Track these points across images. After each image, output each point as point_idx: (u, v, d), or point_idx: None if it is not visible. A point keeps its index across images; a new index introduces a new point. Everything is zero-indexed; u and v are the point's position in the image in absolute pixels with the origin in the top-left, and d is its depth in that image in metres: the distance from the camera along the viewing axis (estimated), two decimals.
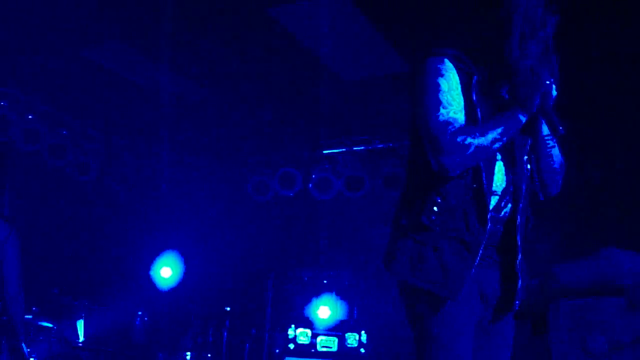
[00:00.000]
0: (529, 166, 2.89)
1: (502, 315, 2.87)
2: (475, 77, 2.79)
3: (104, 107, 8.78)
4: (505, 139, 2.69)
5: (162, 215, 10.36)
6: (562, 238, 7.93)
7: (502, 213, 2.82)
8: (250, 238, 10.07)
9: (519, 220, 2.81)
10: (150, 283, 9.95)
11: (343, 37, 6.88)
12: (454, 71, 2.76)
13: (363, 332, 8.85)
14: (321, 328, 9.01)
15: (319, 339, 8.90)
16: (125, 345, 8.72)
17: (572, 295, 5.75)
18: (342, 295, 9.48)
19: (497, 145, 2.68)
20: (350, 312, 9.40)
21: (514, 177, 2.84)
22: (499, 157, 2.81)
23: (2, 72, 7.89)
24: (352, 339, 8.85)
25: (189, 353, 8.24)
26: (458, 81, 2.76)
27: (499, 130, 2.67)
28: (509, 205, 2.83)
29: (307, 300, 9.43)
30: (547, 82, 2.68)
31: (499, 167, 2.81)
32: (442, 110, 2.68)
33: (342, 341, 8.86)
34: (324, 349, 8.85)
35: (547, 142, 2.83)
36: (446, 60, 2.77)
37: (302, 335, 8.89)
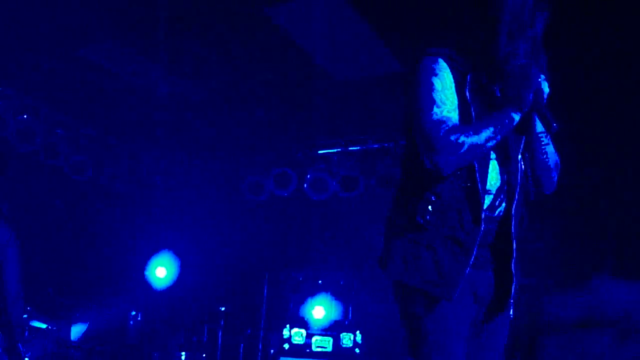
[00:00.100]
0: (522, 165, 2.89)
1: (496, 315, 2.88)
2: (469, 76, 2.80)
3: (99, 106, 8.77)
4: (499, 137, 2.70)
5: (157, 215, 10.36)
6: (555, 238, 7.94)
7: (497, 212, 2.83)
8: (245, 238, 10.08)
9: (513, 219, 2.82)
10: (145, 283, 9.94)
11: (338, 37, 6.88)
12: (448, 70, 2.78)
13: (358, 332, 8.86)
14: (316, 328, 9.01)
15: (313, 339, 8.90)
16: (120, 344, 8.72)
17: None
18: (337, 295, 9.48)
19: (490, 143, 2.69)
20: (345, 313, 9.40)
21: (509, 175, 2.85)
22: (493, 155, 2.82)
23: None
24: (347, 339, 8.85)
25: (183, 353, 8.25)
26: (452, 80, 2.77)
27: (493, 128, 2.68)
28: (504, 204, 2.84)
29: (302, 301, 9.42)
30: (539, 80, 2.70)
31: (493, 166, 2.82)
32: (435, 109, 2.70)
33: (337, 341, 8.86)
34: (319, 349, 8.85)
35: (541, 139, 2.84)
36: (440, 60, 2.79)
37: (297, 335, 8.89)
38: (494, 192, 2.82)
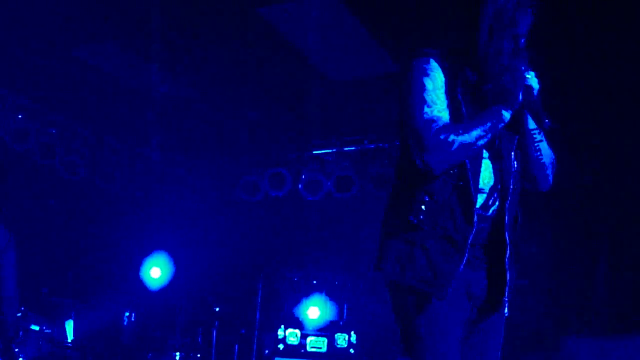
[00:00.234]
0: (516, 163, 2.90)
1: (490, 315, 2.88)
2: (460, 75, 2.82)
3: (94, 106, 8.76)
4: (490, 135, 2.71)
5: (152, 215, 10.35)
6: (551, 239, 7.96)
7: (490, 211, 2.84)
8: (240, 238, 10.06)
9: (507, 218, 2.82)
10: (139, 283, 9.93)
11: (333, 37, 6.89)
12: (439, 70, 2.79)
13: (352, 332, 8.85)
14: (311, 328, 9.01)
15: (308, 339, 8.90)
16: (114, 345, 8.70)
17: None
18: (331, 295, 9.48)
19: (481, 142, 2.70)
20: (339, 313, 9.40)
21: (502, 174, 2.85)
22: (486, 154, 2.83)
23: None
24: (341, 340, 8.85)
25: (178, 353, 8.22)
26: (443, 80, 2.79)
27: (483, 127, 2.70)
28: (497, 203, 2.85)
29: (297, 301, 9.42)
30: (529, 76, 2.71)
31: (487, 165, 2.83)
32: (426, 109, 2.72)
33: (331, 342, 8.86)
34: (314, 350, 8.85)
35: (535, 136, 2.84)
36: (432, 60, 2.80)
37: (292, 335, 8.89)
38: (487, 191, 2.82)
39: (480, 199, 2.80)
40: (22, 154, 8.58)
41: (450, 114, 2.77)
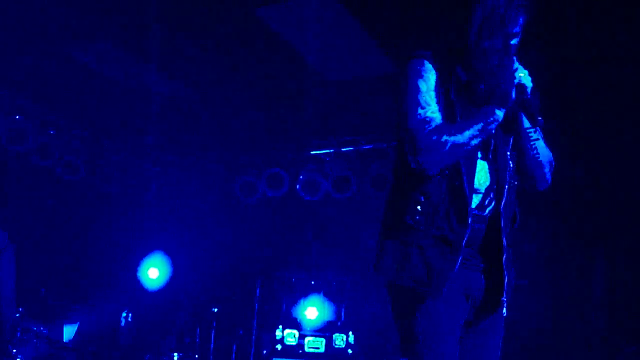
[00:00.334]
0: (511, 163, 2.90)
1: (489, 316, 2.89)
2: (454, 75, 2.84)
3: (91, 107, 8.76)
4: (483, 135, 2.73)
5: (150, 216, 10.34)
6: (548, 239, 7.96)
7: (487, 211, 2.84)
8: (238, 239, 10.06)
9: (503, 217, 2.83)
10: (137, 284, 9.92)
11: (330, 37, 6.89)
12: (433, 72, 2.82)
13: (350, 333, 8.85)
14: (309, 329, 9.01)
15: (306, 340, 8.89)
16: (112, 345, 8.70)
17: None
18: (329, 296, 9.47)
19: (475, 141, 2.72)
20: (337, 313, 9.39)
21: (497, 174, 2.86)
22: (482, 154, 2.84)
23: None
24: (339, 340, 8.84)
25: (176, 354, 8.21)
26: (437, 81, 2.82)
27: (476, 126, 2.72)
28: (493, 203, 2.85)
29: (295, 301, 9.41)
30: (521, 74, 2.73)
31: (482, 165, 2.84)
32: (419, 110, 2.75)
33: (329, 342, 8.86)
34: (312, 350, 8.84)
35: (530, 135, 2.85)
36: (426, 62, 2.84)
37: (290, 336, 8.88)
38: (483, 191, 2.84)
39: (476, 199, 2.81)
40: (20, 155, 8.58)
41: (444, 114, 2.79)
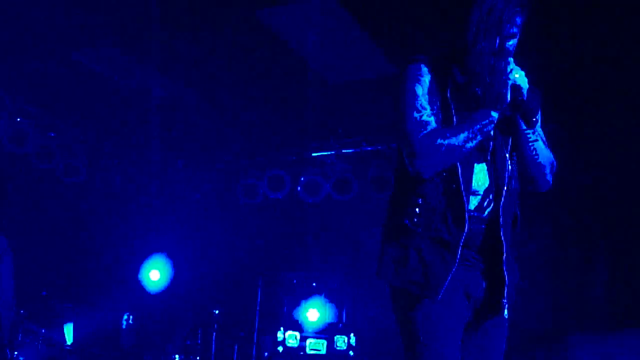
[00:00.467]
0: (510, 165, 2.90)
1: (491, 317, 2.88)
2: (450, 77, 2.86)
3: (92, 109, 8.76)
4: (479, 137, 2.75)
5: (151, 218, 10.35)
6: (549, 239, 7.96)
7: (486, 213, 2.85)
8: (239, 241, 10.06)
9: (501, 219, 2.83)
10: (138, 286, 9.92)
11: (331, 40, 6.89)
12: (429, 75, 2.85)
13: (352, 334, 8.86)
14: (310, 331, 9.01)
15: (307, 341, 8.90)
16: (113, 347, 8.70)
17: None
18: (331, 297, 9.47)
19: (470, 144, 2.74)
20: (339, 315, 9.39)
21: (496, 176, 2.87)
22: (481, 156, 2.85)
23: None
24: (341, 342, 8.85)
25: (177, 356, 8.22)
26: (433, 84, 2.84)
27: (472, 129, 2.73)
28: (492, 204, 2.86)
29: (296, 303, 9.41)
30: (516, 75, 2.73)
31: (481, 167, 2.85)
32: (415, 114, 2.78)
33: (331, 344, 8.87)
34: (313, 352, 8.85)
35: (528, 136, 2.85)
36: (422, 66, 2.86)
37: (291, 338, 8.89)
38: (481, 192, 2.84)
39: (475, 201, 2.82)
40: (21, 158, 8.58)
41: (440, 117, 2.82)
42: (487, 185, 2.85)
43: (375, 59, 7.10)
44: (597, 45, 6.34)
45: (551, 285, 8.03)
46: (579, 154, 7.38)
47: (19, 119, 8.52)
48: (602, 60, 6.54)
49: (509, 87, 2.73)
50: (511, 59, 2.75)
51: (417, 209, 2.80)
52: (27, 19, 6.71)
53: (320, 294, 9.48)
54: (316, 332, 9.00)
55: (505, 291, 2.82)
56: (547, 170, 2.97)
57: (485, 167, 2.86)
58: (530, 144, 2.86)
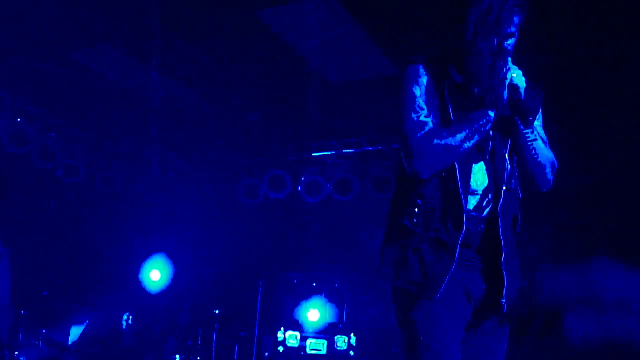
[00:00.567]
0: (509, 164, 2.90)
1: (490, 317, 2.88)
2: (448, 77, 2.86)
3: (92, 109, 8.77)
4: (477, 137, 2.75)
5: (151, 218, 10.35)
6: (549, 240, 7.95)
7: (485, 212, 2.84)
8: (240, 241, 10.06)
9: (500, 218, 2.82)
10: (139, 286, 9.92)
11: (332, 39, 6.89)
12: (427, 76, 2.86)
13: (352, 334, 8.86)
14: (310, 331, 9.01)
15: (308, 342, 8.90)
16: (114, 348, 8.70)
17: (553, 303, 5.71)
18: (331, 298, 9.47)
19: (467, 144, 2.74)
20: (339, 315, 9.39)
21: (495, 175, 2.87)
22: (480, 156, 2.85)
23: None
24: (341, 342, 8.85)
25: (177, 356, 8.22)
26: (431, 85, 2.85)
27: (468, 129, 2.74)
28: (492, 204, 2.85)
29: (297, 303, 9.41)
30: (514, 75, 2.73)
31: (480, 167, 2.85)
32: (413, 115, 2.80)
33: (331, 344, 8.87)
34: (314, 352, 8.85)
35: (527, 136, 2.85)
36: (420, 67, 2.88)
37: (292, 338, 8.89)
38: (480, 192, 2.84)
39: (474, 201, 2.82)
40: (21, 158, 8.58)
41: (438, 117, 2.83)
42: (486, 185, 2.85)
43: (375, 59, 7.10)
44: (597, 45, 6.34)
45: (552, 286, 8.02)
46: (579, 154, 7.38)
47: (19, 119, 8.52)
48: (604, 59, 6.54)
49: (505, 87, 2.73)
50: (509, 59, 2.75)
51: (416, 210, 2.80)
52: (27, 19, 6.71)
53: (320, 294, 9.48)
54: (317, 333, 9.00)
55: (505, 291, 2.82)
56: (548, 170, 2.97)
57: (485, 167, 2.86)
58: (529, 143, 2.86)
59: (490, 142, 2.86)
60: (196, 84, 8.03)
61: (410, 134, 2.77)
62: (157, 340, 9.18)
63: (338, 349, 8.84)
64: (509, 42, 2.77)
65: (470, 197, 2.80)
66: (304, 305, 9.36)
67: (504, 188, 2.84)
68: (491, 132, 2.83)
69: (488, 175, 2.86)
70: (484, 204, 2.84)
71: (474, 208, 2.82)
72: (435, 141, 2.72)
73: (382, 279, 2.87)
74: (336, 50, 7.10)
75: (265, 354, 9.00)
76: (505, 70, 2.73)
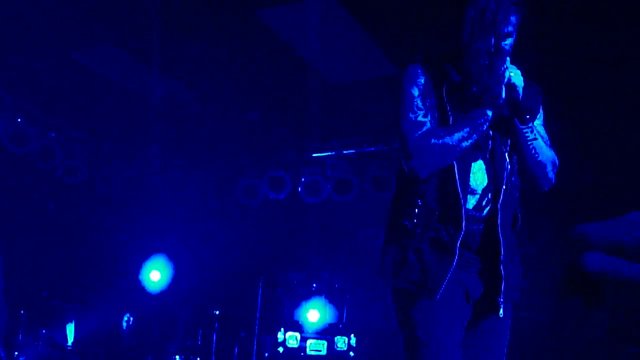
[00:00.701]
0: (509, 163, 2.90)
1: (488, 317, 2.88)
2: (447, 77, 2.87)
3: (92, 110, 8.77)
4: (474, 136, 2.76)
5: (151, 218, 10.35)
6: (549, 239, 7.95)
7: (485, 212, 2.85)
8: (240, 241, 10.06)
9: (500, 217, 2.83)
10: (139, 286, 9.93)
11: (331, 39, 6.89)
12: (425, 76, 2.88)
13: (352, 335, 8.84)
14: (310, 331, 9.00)
15: (308, 342, 8.89)
16: (114, 348, 8.70)
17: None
18: (331, 298, 9.47)
19: (465, 143, 2.75)
20: (339, 316, 9.39)
21: (494, 175, 2.87)
22: (480, 155, 2.85)
23: None
24: (341, 343, 8.84)
25: (177, 356, 8.23)
26: (430, 85, 2.87)
27: (466, 129, 2.75)
28: (491, 203, 2.86)
29: (297, 304, 9.41)
30: (511, 73, 2.74)
31: (479, 166, 2.85)
32: (411, 115, 2.82)
33: (331, 345, 8.85)
34: (313, 353, 8.84)
35: (527, 134, 2.85)
36: (419, 67, 2.90)
37: (292, 338, 8.88)
38: (479, 191, 2.85)
39: (473, 200, 2.83)
40: (21, 158, 8.59)
41: (437, 117, 2.84)
42: (485, 184, 2.85)
43: (375, 59, 7.09)
44: (599, 44, 6.33)
45: (552, 286, 8.02)
46: (579, 153, 7.38)
47: (19, 119, 8.53)
48: (605, 59, 6.54)
49: (502, 86, 2.73)
50: (508, 58, 2.75)
51: (416, 210, 2.81)
52: (27, 19, 6.71)
53: (320, 294, 9.47)
54: (316, 333, 8.99)
55: (502, 290, 2.82)
56: (548, 169, 2.97)
57: (484, 166, 2.86)
58: (529, 142, 2.86)
59: (490, 141, 2.87)
60: (196, 84, 8.03)
61: (407, 134, 2.78)
62: (157, 341, 9.18)
63: (338, 349, 8.83)
64: (507, 41, 2.78)
65: (469, 196, 2.81)
66: (304, 305, 9.35)
67: (504, 187, 2.85)
68: (491, 132, 2.83)
69: (488, 175, 2.86)
70: (484, 203, 2.84)
71: (473, 207, 2.82)
72: (433, 140, 2.73)
73: (383, 278, 2.88)
74: (336, 51, 7.10)
75: (265, 355, 8.98)
76: (503, 69, 2.73)
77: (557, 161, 3.01)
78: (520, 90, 2.75)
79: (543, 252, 7.84)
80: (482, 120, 2.76)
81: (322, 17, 6.48)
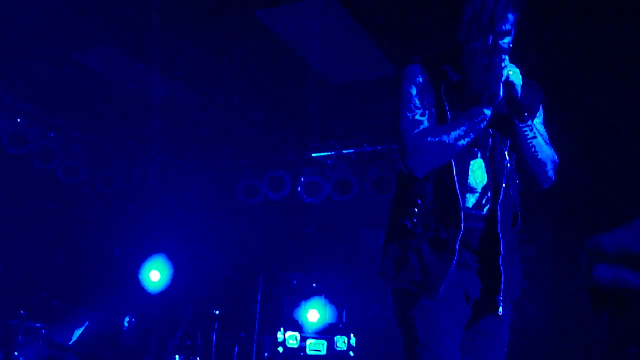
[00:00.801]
0: (508, 162, 2.90)
1: (488, 316, 2.88)
2: (445, 78, 2.88)
3: (93, 110, 8.76)
4: (472, 134, 2.76)
5: (151, 218, 10.34)
6: (549, 240, 7.95)
7: (484, 210, 2.85)
8: (239, 241, 10.06)
9: (499, 216, 2.83)
10: (138, 286, 9.91)
11: (331, 40, 6.88)
12: (423, 76, 2.89)
13: (352, 335, 8.84)
14: (310, 331, 9.00)
15: (308, 342, 8.88)
16: (113, 348, 8.69)
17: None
18: (331, 298, 9.46)
19: (462, 142, 2.75)
20: (339, 316, 9.38)
21: (494, 173, 2.87)
22: (479, 154, 2.85)
23: None
24: (341, 342, 8.84)
25: (177, 356, 8.22)
26: (428, 84, 2.87)
27: (464, 127, 2.75)
28: (491, 202, 2.86)
29: (296, 304, 9.40)
30: (510, 72, 2.73)
31: (479, 164, 2.86)
32: (408, 114, 2.83)
33: (331, 344, 8.85)
34: (313, 352, 8.83)
35: (526, 133, 2.85)
36: (417, 66, 2.91)
37: (291, 338, 8.87)
38: (479, 190, 2.85)
39: (473, 199, 2.83)
40: (21, 158, 8.58)
41: (435, 116, 2.85)
42: (485, 183, 2.85)
43: (375, 59, 7.09)
44: (599, 44, 6.33)
45: (552, 286, 8.03)
46: (579, 153, 7.38)
47: (19, 119, 8.52)
48: (606, 59, 6.53)
49: (500, 84, 2.73)
50: (506, 57, 2.75)
51: (415, 210, 2.82)
52: (27, 19, 6.71)
53: (320, 294, 9.46)
54: (316, 333, 8.98)
55: (502, 288, 2.82)
56: (548, 167, 2.97)
57: (484, 165, 2.86)
58: (528, 140, 2.86)
59: (490, 140, 2.87)
60: (196, 84, 8.03)
61: (404, 132, 2.79)
62: (157, 341, 9.17)
63: (338, 349, 8.83)
64: (505, 39, 2.78)
65: (469, 195, 2.81)
66: (304, 305, 9.34)
67: (504, 185, 2.85)
68: (490, 130, 2.83)
69: (487, 173, 2.86)
70: (483, 201, 2.84)
71: (472, 206, 2.82)
72: (429, 139, 2.74)
73: (383, 278, 2.89)
74: (336, 51, 7.10)
75: (264, 354, 8.98)
76: (501, 67, 2.73)
77: (557, 159, 3.01)
78: (519, 89, 2.74)
79: (543, 252, 7.84)
80: (480, 118, 2.76)
81: (322, 17, 6.47)
